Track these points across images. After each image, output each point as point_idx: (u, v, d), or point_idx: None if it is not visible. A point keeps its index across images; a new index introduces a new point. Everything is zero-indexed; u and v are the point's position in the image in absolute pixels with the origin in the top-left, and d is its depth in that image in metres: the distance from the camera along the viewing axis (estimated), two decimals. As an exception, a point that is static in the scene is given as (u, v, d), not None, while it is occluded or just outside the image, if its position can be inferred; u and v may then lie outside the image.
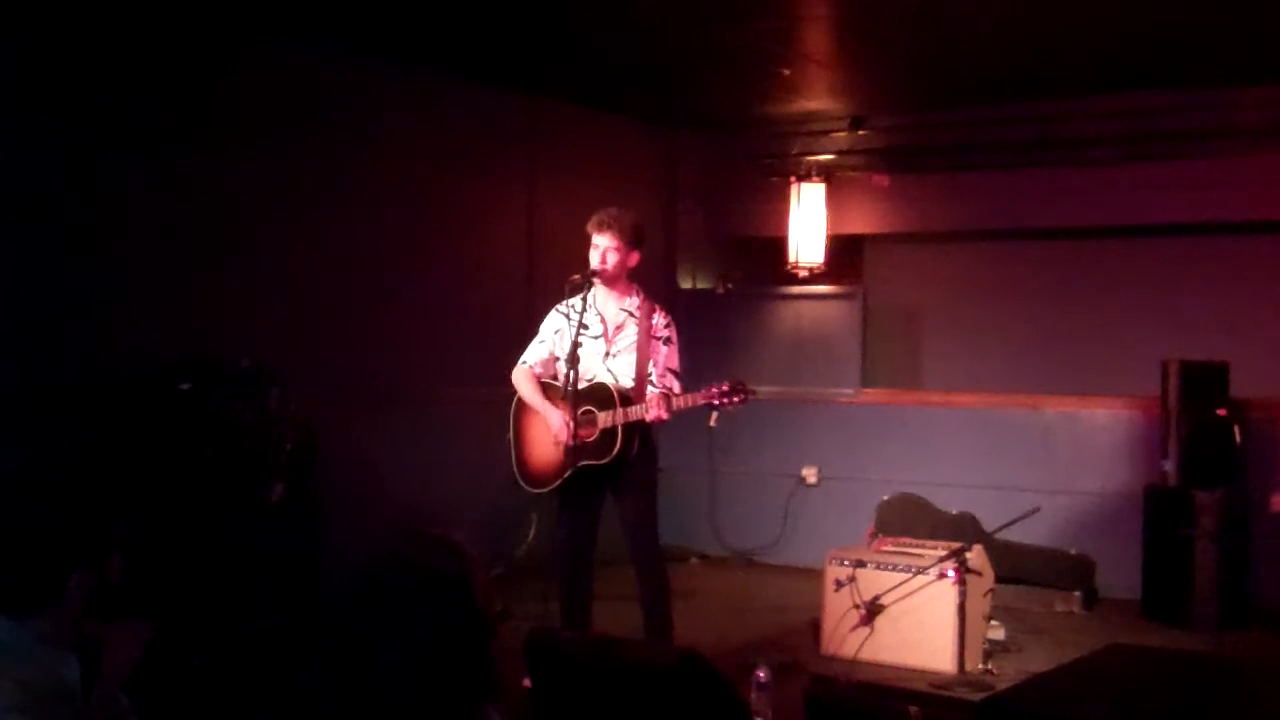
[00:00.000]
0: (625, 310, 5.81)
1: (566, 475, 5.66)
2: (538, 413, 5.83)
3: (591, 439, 5.63)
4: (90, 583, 2.58)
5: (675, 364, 5.80)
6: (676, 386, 5.70)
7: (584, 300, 5.66)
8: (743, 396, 5.58)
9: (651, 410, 5.56)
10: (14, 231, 5.94)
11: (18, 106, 5.96)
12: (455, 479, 7.82)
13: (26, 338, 5.94)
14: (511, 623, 5.97)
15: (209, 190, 6.74)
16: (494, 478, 8.22)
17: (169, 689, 4.74)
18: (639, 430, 5.66)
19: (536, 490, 5.87)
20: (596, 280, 5.72)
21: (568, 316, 5.80)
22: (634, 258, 5.78)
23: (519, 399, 5.92)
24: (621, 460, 5.64)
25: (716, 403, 5.58)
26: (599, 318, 5.79)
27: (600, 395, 5.65)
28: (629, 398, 5.64)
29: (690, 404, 5.63)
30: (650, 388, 5.71)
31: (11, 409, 5.74)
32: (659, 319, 5.82)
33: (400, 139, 7.83)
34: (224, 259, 6.78)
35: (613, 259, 5.71)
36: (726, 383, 5.59)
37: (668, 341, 5.80)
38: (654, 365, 5.76)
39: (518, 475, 5.92)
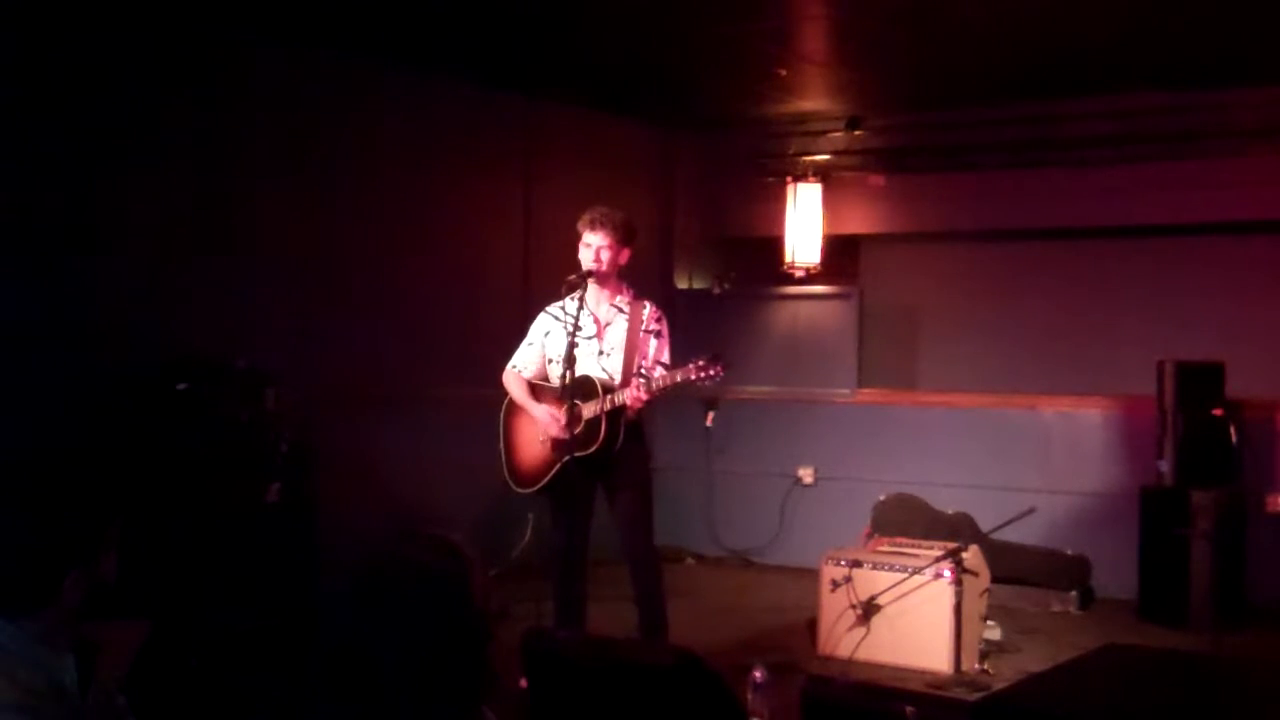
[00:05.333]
0: (615, 307, 5.82)
1: (556, 469, 5.69)
2: (527, 414, 5.86)
3: (577, 431, 5.64)
4: (86, 583, 2.57)
5: (665, 357, 5.79)
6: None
7: (580, 301, 5.67)
8: (721, 367, 5.51)
9: (630, 392, 5.53)
10: (11, 230, 5.93)
11: (18, 106, 5.95)
12: (452, 479, 7.81)
13: (22, 337, 5.93)
14: (508, 622, 5.97)
15: (206, 190, 6.74)
16: (490, 478, 8.21)
17: (166, 689, 4.74)
18: (624, 420, 5.64)
19: (527, 490, 5.90)
20: (592, 280, 5.73)
21: (558, 318, 5.82)
22: (625, 255, 5.79)
23: (508, 402, 5.98)
24: (606, 450, 5.63)
25: (694, 376, 5.50)
26: (592, 317, 5.79)
27: (585, 388, 5.66)
28: (612, 388, 5.64)
29: (670, 382, 5.55)
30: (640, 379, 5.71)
31: (7, 408, 5.73)
32: (648, 313, 5.82)
33: (397, 139, 7.83)
34: (220, 259, 6.78)
35: (606, 257, 5.71)
36: (703, 357, 5.54)
37: (658, 335, 5.79)
38: (644, 359, 5.75)
39: (508, 477, 5.97)
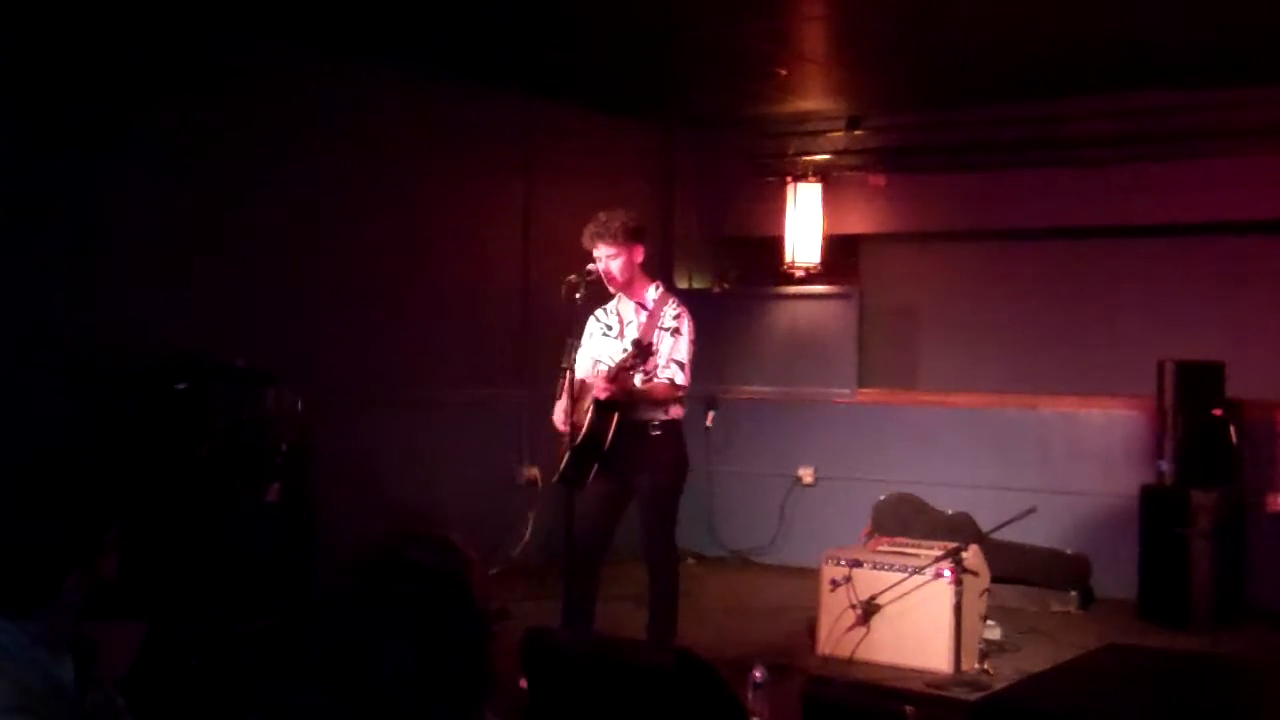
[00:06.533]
0: (640, 305, 5.86)
1: (563, 465, 5.74)
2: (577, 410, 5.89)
3: (575, 422, 5.70)
4: (86, 583, 2.57)
5: (681, 355, 5.77)
6: (679, 377, 5.71)
7: (575, 298, 5.71)
8: (640, 358, 5.52)
9: (597, 383, 5.59)
10: (11, 230, 5.93)
11: (18, 105, 5.95)
12: (452, 479, 7.82)
13: (22, 337, 5.93)
14: (508, 622, 5.97)
15: (206, 189, 6.74)
16: (491, 477, 8.26)
17: (165, 689, 4.74)
18: (616, 416, 5.65)
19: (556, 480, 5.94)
20: (595, 278, 5.76)
21: (599, 319, 5.94)
22: (638, 253, 5.80)
23: None
24: (594, 444, 5.65)
25: (627, 364, 5.53)
26: (618, 317, 5.85)
27: (586, 385, 5.71)
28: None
29: (614, 372, 5.55)
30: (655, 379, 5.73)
31: (7, 408, 5.73)
32: (669, 310, 5.83)
33: (397, 138, 7.83)
34: (220, 258, 6.78)
35: (616, 265, 5.75)
36: (634, 348, 5.56)
37: (675, 333, 5.78)
38: (658, 356, 5.75)
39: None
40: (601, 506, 5.82)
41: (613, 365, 5.62)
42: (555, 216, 8.31)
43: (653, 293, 5.86)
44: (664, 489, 5.85)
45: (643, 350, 5.49)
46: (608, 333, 5.85)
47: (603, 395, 5.57)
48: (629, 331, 5.81)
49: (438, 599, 2.19)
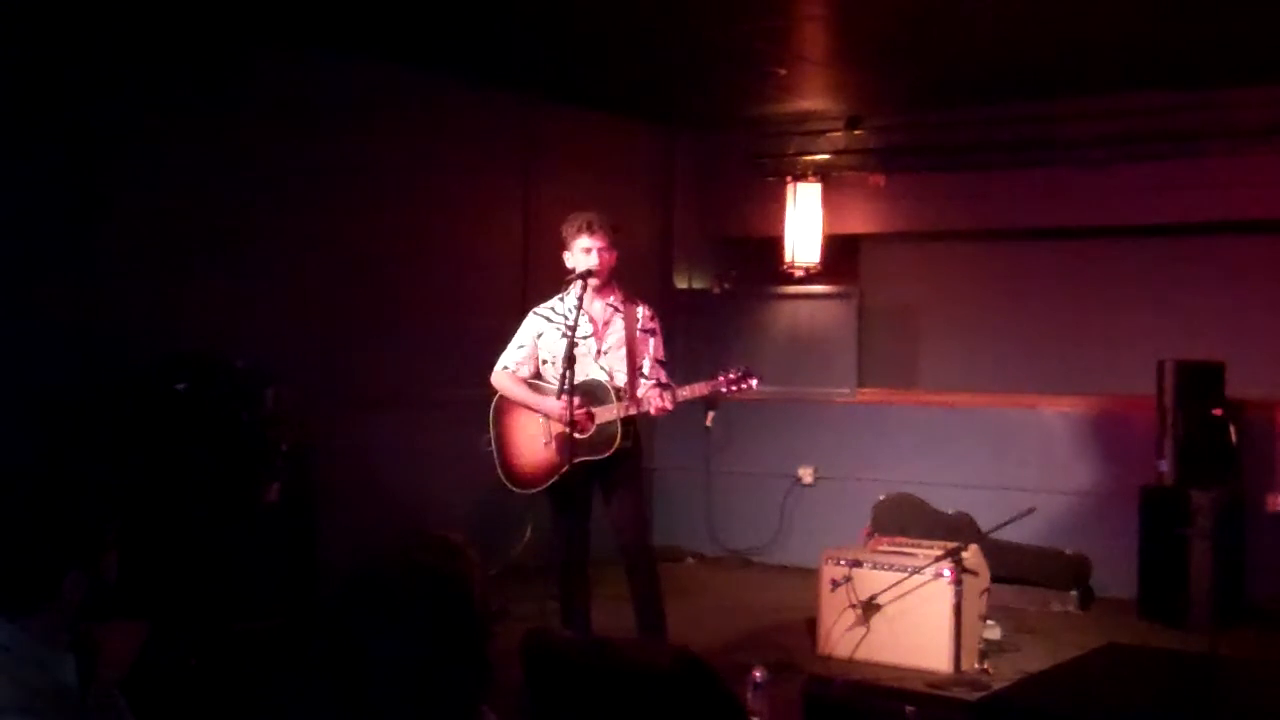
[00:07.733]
0: (611, 307, 5.86)
1: (563, 471, 5.66)
2: (521, 413, 5.88)
3: (587, 434, 5.65)
4: (86, 582, 2.57)
5: (661, 354, 5.89)
6: (663, 377, 5.79)
7: (579, 301, 5.69)
8: (747, 383, 5.72)
9: (654, 403, 5.61)
10: (10, 230, 5.93)
11: (18, 106, 5.95)
12: (451, 479, 7.81)
13: (22, 337, 5.93)
14: (508, 622, 5.97)
15: (206, 189, 6.74)
16: (490, 477, 8.22)
17: (166, 688, 4.74)
18: (634, 425, 5.72)
19: (527, 490, 5.89)
20: (592, 280, 5.74)
21: (550, 319, 5.83)
22: (614, 257, 5.83)
23: (498, 402, 5.98)
24: (619, 454, 5.67)
25: (725, 390, 5.72)
26: (587, 317, 5.81)
27: (595, 391, 5.67)
28: (623, 393, 5.69)
29: (695, 394, 5.70)
30: (642, 379, 5.78)
31: (6, 408, 5.73)
32: (643, 311, 5.89)
33: (397, 138, 7.83)
34: (220, 258, 6.78)
35: (606, 258, 5.75)
36: (734, 371, 5.74)
37: (654, 333, 5.88)
38: (643, 358, 5.83)
39: (504, 478, 5.95)
40: (585, 509, 5.86)
41: (691, 386, 5.72)
42: (555, 217, 8.25)
43: (616, 295, 5.89)
44: (636, 484, 5.94)
45: (752, 375, 5.74)
46: (570, 332, 5.69)
47: (662, 414, 5.70)
48: (609, 332, 5.81)
49: (437, 599, 2.19)
